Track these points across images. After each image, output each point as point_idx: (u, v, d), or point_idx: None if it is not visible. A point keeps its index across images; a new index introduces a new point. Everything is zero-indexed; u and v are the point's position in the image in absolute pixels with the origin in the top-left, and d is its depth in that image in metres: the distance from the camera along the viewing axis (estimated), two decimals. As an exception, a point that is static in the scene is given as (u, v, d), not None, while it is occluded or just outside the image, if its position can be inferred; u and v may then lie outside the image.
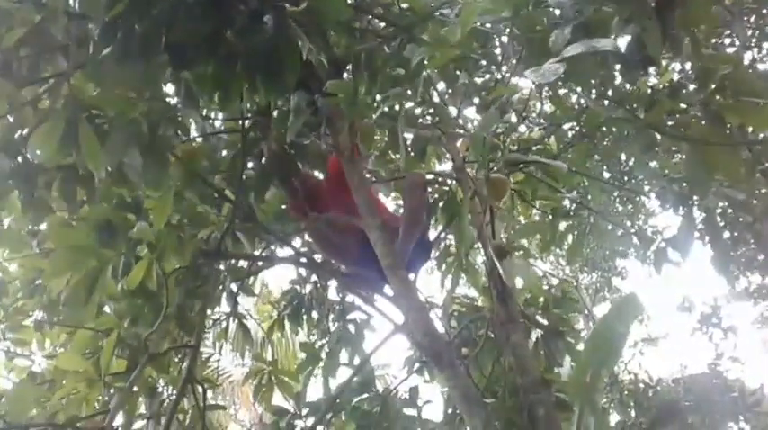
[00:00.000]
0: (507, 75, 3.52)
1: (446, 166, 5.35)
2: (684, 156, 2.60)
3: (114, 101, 2.52)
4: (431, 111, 4.23)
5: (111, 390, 3.20)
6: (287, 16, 2.58)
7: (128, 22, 2.29)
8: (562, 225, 4.00)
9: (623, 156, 5.13)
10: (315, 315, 5.18)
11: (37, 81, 2.59)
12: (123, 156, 2.57)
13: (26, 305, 4.12)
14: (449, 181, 4.02)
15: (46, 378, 3.46)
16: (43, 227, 3.53)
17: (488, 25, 3.10)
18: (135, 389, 3.17)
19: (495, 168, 2.97)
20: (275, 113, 3.41)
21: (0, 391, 3.80)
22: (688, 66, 2.87)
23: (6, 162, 2.57)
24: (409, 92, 3.10)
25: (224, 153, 3.72)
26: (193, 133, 3.68)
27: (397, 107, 3.32)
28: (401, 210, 3.83)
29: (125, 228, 2.86)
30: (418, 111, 4.14)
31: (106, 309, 3.33)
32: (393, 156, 4.50)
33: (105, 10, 2.25)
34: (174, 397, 3.25)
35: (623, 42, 2.42)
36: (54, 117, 2.43)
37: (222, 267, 3.80)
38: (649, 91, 2.91)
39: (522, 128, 4.27)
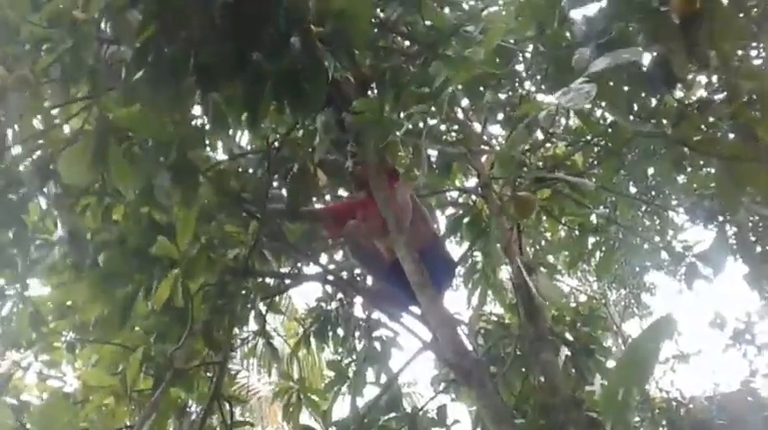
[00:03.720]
0: (532, 90, 3.51)
1: (471, 182, 5.35)
2: (714, 172, 2.56)
3: (144, 123, 2.56)
4: (455, 127, 4.24)
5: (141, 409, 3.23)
6: (313, 37, 2.62)
7: (158, 46, 2.34)
8: (590, 241, 3.95)
9: (650, 171, 5.06)
10: (341, 332, 5.17)
11: (68, 103, 2.65)
12: (153, 177, 2.61)
13: (58, 326, 4.18)
14: (473, 197, 4.01)
15: (77, 398, 3.49)
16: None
17: (512, 41, 3.11)
18: (162, 406, 3.19)
19: (522, 185, 2.95)
20: (300, 132, 3.45)
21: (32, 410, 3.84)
22: (715, 78, 2.84)
23: (38, 182, 2.62)
24: (433, 109, 3.11)
25: (249, 171, 3.75)
26: (220, 152, 3.74)
27: (420, 124, 3.33)
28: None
29: (158, 250, 2.90)
30: (443, 127, 4.15)
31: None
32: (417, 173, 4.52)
33: (136, 34, 2.31)
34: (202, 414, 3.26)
35: (648, 58, 2.41)
36: (84, 138, 2.48)
37: (249, 285, 3.82)
38: (676, 104, 2.88)
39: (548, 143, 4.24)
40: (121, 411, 3.07)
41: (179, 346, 2.99)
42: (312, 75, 2.53)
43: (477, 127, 4.07)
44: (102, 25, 2.55)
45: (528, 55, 3.25)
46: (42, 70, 2.37)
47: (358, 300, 5.07)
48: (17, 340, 4.21)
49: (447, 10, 3.51)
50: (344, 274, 4.28)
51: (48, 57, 2.38)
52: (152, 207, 2.82)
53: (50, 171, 2.77)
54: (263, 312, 4.09)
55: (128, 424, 3.25)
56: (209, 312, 3.21)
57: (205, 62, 2.37)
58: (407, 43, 3.72)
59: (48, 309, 4.30)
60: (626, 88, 2.58)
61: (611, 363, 3.96)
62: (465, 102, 4.10)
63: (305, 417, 4.23)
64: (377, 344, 4.82)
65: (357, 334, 5.13)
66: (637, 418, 5.15)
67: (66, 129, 2.73)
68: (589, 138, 3.68)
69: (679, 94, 3.44)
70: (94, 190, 2.89)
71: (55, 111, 2.75)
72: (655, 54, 2.23)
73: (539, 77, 3.25)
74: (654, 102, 2.86)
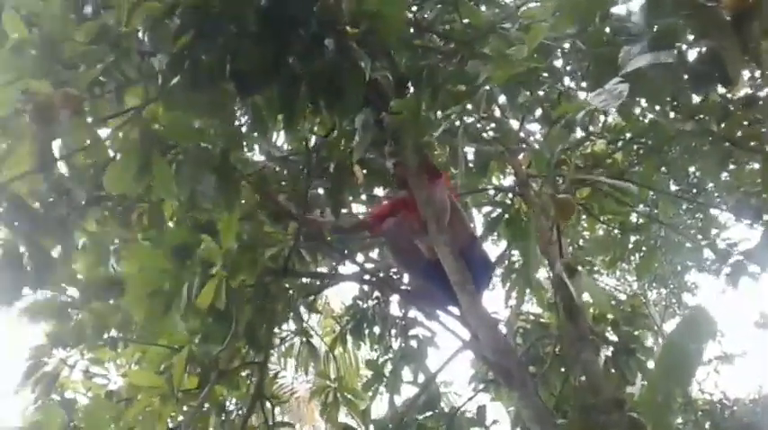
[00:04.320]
0: (572, 87, 3.46)
1: (507, 181, 5.31)
2: (760, 168, 2.50)
3: (185, 130, 2.61)
4: (492, 125, 4.21)
5: (185, 407, 3.28)
6: (347, 39, 2.64)
7: (194, 53, 2.39)
8: (631, 239, 3.88)
9: (691, 168, 4.95)
10: (377, 330, 5.19)
11: (111, 116, 2.70)
12: (196, 185, 2.65)
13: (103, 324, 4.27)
14: (509, 195, 3.98)
15: (122, 396, 3.56)
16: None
17: (550, 38, 3.07)
18: (206, 405, 3.24)
19: (562, 185, 2.92)
20: (335, 132, 3.47)
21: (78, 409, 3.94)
22: (758, 73, 2.76)
23: (83, 194, 2.68)
24: (469, 106, 3.10)
25: (285, 172, 3.79)
26: (258, 154, 3.79)
27: (457, 123, 3.32)
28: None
29: (199, 250, 2.95)
30: (480, 125, 4.12)
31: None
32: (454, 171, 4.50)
33: (173, 41, 2.36)
34: (244, 414, 3.31)
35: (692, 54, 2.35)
36: (128, 150, 2.53)
37: (288, 286, 3.86)
38: (720, 101, 2.81)
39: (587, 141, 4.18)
40: (167, 411, 3.12)
41: (224, 347, 3.03)
42: (347, 76, 2.55)
43: (515, 124, 4.04)
44: (141, 35, 2.61)
45: (566, 51, 3.21)
46: (86, 86, 2.43)
47: (394, 298, 5.08)
48: (64, 338, 4.34)
49: (483, 7, 3.49)
50: (381, 273, 4.29)
51: (91, 72, 2.44)
52: (195, 212, 2.87)
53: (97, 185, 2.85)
54: (302, 312, 4.12)
55: (170, 425, 3.31)
56: (252, 313, 3.24)
57: (241, 67, 2.41)
58: (443, 41, 3.71)
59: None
60: (667, 86, 2.53)
61: (651, 364, 3.89)
62: (502, 99, 4.08)
63: (341, 416, 4.27)
64: (413, 343, 4.83)
65: (393, 332, 5.15)
66: (679, 420, 5.05)
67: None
68: (630, 136, 3.61)
69: (722, 90, 3.36)
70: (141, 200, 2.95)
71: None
72: (703, 50, 2.17)
73: (579, 74, 3.21)
74: (696, 98, 2.80)
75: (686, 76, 2.42)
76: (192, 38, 2.35)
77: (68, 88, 2.27)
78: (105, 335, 4.44)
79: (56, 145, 2.41)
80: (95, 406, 3.51)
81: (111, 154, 2.58)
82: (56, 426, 3.28)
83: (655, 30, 2.29)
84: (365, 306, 5.22)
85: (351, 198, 4.07)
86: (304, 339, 4.43)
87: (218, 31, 2.38)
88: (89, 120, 2.46)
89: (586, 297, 3.77)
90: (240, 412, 3.82)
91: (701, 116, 2.52)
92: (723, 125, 2.38)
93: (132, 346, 4.10)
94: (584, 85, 3.07)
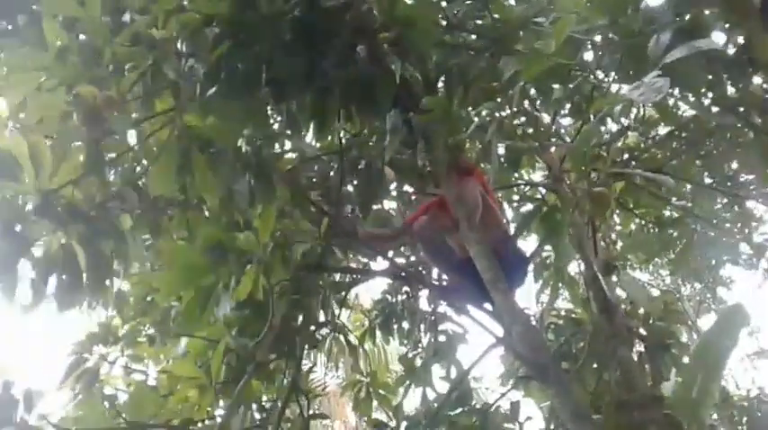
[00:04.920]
0: (605, 81, 3.42)
1: (537, 176, 5.27)
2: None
3: (220, 131, 2.65)
4: (523, 119, 4.18)
5: (221, 401, 3.35)
6: (378, 45, 2.67)
7: (231, 61, 2.44)
8: (666, 234, 3.83)
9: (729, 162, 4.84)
10: (405, 325, 5.21)
11: (152, 117, 2.76)
12: (233, 184, 2.70)
13: (140, 321, 4.38)
14: (542, 190, 3.95)
15: (160, 391, 3.65)
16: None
17: (581, 30, 3.04)
18: (244, 398, 3.30)
19: (599, 179, 2.89)
20: (368, 131, 3.49)
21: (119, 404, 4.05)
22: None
23: (135, 196, 2.74)
24: (500, 101, 3.08)
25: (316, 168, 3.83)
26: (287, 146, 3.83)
27: (488, 119, 3.30)
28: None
29: (235, 246, 3.00)
30: (511, 122, 4.10)
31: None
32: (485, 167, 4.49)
33: (210, 51, 2.41)
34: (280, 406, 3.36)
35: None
36: (168, 151, 2.59)
37: (321, 282, 3.90)
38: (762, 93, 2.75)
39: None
40: (206, 402, 3.19)
41: (260, 339, 3.08)
42: (379, 81, 2.58)
43: (546, 118, 4.00)
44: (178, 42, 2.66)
45: (597, 44, 3.17)
46: (127, 89, 2.49)
47: (423, 293, 5.10)
48: (105, 335, 4.46)
49: (514, 2, 3.47)
50: (411, 268, 4.31)
51: (131, 75, 2.50)
52: (232, 211, 2.92)
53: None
54: (334, 307, 4.16)
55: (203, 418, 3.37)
56: (287, 307, 3.29)
57: (276, 76, 2.45)
58: (474, 37, 3.69)
59: (129, 306, 4.53)
60: (703, 76, 2.48)
61: (687, 359, 3.85)
62: (532, 92, 4.04)
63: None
64: (442, 338, 4.84)
65: (422, 327, 5.16)
66: (715, 416, 4.97)
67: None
68: (669, 129, 3.55)
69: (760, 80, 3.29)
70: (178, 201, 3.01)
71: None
72: (740, 39, 2.14)
73: (610, 67, 3.17)
74: (733, 90, 2.75)
75: (720, 68, 2.39)
76: (229, 48, 2.40)
77: (111, 92, 2.32)
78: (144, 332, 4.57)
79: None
80: (137, 396, 3.59)
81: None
82: (98, 419, 3.36)
83: (686, 19, 2.26)
84: (394, 301, 5.25)
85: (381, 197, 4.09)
86: (336, 334, 4.46)
87: (254, 41, 2.42)
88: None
89: (620, 293, 3.74)
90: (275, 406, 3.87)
91: (742, 109, 2.47)
92: (764, 117, 2.33)
93: (170, 343, 4.20)
94: (615, 77, 3.04)
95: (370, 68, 2.64)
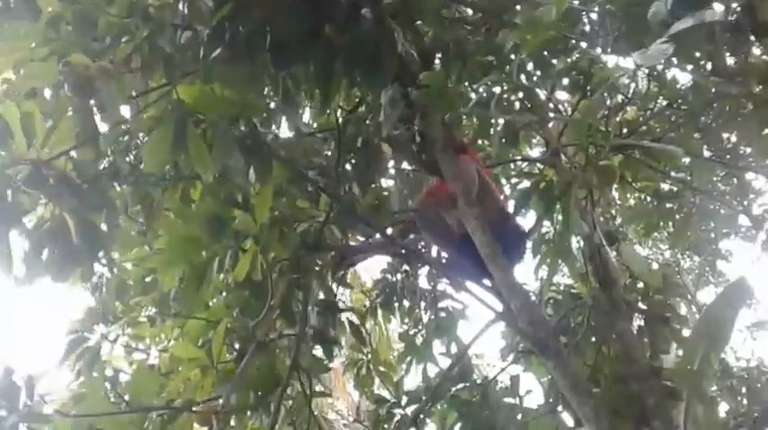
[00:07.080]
0: (603, 52, 3.38)
1: (534, 152, 5.24)
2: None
3: (213, 101, 2.60)
4: (520, 95, 4.13)
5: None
6: (383, 9, 2.62)
7: (233, 24, 2.39)
8: (665, 207, 3.81)
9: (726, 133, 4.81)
10: (406, 303, 5.22)
11: (147, 92, 2.72)
12: (228, 159, 2.67)
13: (141, 301, 4.38)
14: (539, 166, 3.92)
15: (161, 370, 3.66)
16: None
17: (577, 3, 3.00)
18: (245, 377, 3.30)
19: (601, 153, 2.87)
20: (365, 107, 3.45)
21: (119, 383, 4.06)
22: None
23: (126, 166, 2.71)
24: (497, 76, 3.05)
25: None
26: (286, 130, 3.79)
27: (486, 95, 3.27)
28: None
29: (232, 223, 2.99)
30: (509, 96, 4.05)
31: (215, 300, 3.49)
32: (483, 143, 4.45)
33: (212, 14, 2.37)
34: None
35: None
36: (163, 124, 2.55)
37: (319, 261, 3.89)
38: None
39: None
40: (208, 383, 3.20)
41: (260, 319, 3.09)
42: (383, 47, 2.54)
43: (542, 93, 3.95)
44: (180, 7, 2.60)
45: (594, 16, 3.13)
46: (122, 60, 2.45)
47: (423, 271, 5.10)
48: (105, 314, 4.46)
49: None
50: (411, 246, 4.30)
51: (126, 46, 2.45)
52: (229, 187, 2.90)
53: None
54: (333, 286, 4.15)
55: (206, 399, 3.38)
56: (286, 286, 3.29)
57: (279, 39, 2.41)
58: (471, 12, 3.65)
59: (129, 286, 4.52)
60: (708, 47, 2.45)
61: (686, 332, 3.86)
62: (530, 67, 3.99)
63: (375, 388, 4.33)
64: (443, 315, 4.85)
65: (423, 305, 5.17)
66: (714, 387, 5.00)
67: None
68: (667, 102, 3.52)
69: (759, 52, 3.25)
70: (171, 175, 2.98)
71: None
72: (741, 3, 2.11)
73: (609, 38, 3.13)
74: (733, 60, 2.72)
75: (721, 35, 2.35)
76: (231, 9, 2.36)
77: (105, 62, 2.29)
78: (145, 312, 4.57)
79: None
80: (138, 376, 3.60)
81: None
82: (99, 398, 3.37)
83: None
84: (394, 279, 5.25)
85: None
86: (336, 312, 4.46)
87: (257, 3, 2.38)
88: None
89: (619, 266, 3.73)
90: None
91: (741, 78, 2.45)
92: (764, 87, 2.31)
93: (171, 322, 4.20)
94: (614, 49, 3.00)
95: (375, 30, 2.60)
